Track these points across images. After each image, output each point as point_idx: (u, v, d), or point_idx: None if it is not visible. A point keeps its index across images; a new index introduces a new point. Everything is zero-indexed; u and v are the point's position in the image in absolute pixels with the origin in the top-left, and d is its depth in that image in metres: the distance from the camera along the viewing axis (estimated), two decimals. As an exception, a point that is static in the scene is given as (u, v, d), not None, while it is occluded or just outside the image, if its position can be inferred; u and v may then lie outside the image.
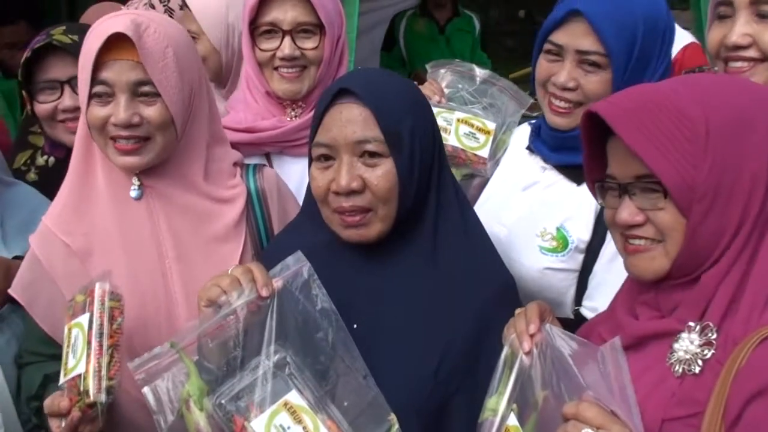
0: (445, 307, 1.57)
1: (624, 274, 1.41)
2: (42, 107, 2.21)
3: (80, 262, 1.75)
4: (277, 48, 2.09)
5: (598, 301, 1.80)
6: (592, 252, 1.86)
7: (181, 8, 2.64)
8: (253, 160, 2.09)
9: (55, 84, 2.19)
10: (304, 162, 2.14)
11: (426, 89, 2.16)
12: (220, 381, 1.41)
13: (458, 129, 2.19)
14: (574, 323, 1.71)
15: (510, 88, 2.30)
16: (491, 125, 2.18)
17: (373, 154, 1.54)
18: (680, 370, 1.26)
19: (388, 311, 1.59)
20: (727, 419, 1.18)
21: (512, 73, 4.49)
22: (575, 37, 1.81)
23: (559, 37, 1.84)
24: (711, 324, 1.25)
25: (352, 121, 1.53)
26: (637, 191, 1.31)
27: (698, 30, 4.12)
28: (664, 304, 1.33)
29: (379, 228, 1.57)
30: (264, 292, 1.44)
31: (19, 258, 1.90)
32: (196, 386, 1.39)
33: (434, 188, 1.62)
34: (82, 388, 1.50)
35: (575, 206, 1.88)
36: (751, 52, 1.68)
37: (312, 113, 2.08)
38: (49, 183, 2.10)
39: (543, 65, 1.90)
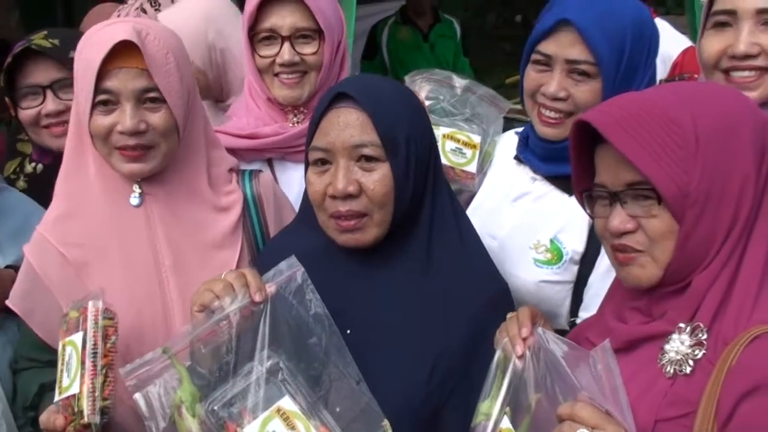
0: (439, 312, 1.58)
1: None
2: (25, 113, 2.20)
3: (76, 272, 1.74)
4: (277, 54, 2.09)
5: (594, 312, 1.79)
6: (586, 263, 1.84)
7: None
8: (254, 166, 2.10)
9: (36, 89, 2.18)
10: (306, 167, 2.19)
11: None
12: (212, 387, 1.41)
13: (445, 145, 2.18)
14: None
15: (489, 94, 2.29)
16: (476, 138, 2.16)
17: (369, 159, 1.54)
18: (671, 371, 1.27)
19: (382, 317, 1.59)
20: (719, 418, 1.18)
21: (509, 77, 4.50)
22: (564, 46, 1.78)
23: (548, 46, 1.81)
24: (701, 325, 1.26)
25: (349, 125, 1.54)
26: (628, 199, 1.31)
27: (693, 35, 4.14)
28: (656, 311, 1.33)
29: (374, 233, 1.58)
30: (257, 297, 1.44)
31: (12, 267, 1.91)
32: (188, 392, 1.39)
33: (429, 194, 1.63)
34: (76, 409, 1.50)
35: (568, 217, 1.86)
36: (760, 61, 1.68)
37: None
38: (38, 190, 2.11)
39: (531, 76, 1.86)
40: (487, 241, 1.88)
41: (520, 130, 2.05)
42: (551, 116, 1.83)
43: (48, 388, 1.68)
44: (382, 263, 1.60)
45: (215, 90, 2.53)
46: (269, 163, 2.20)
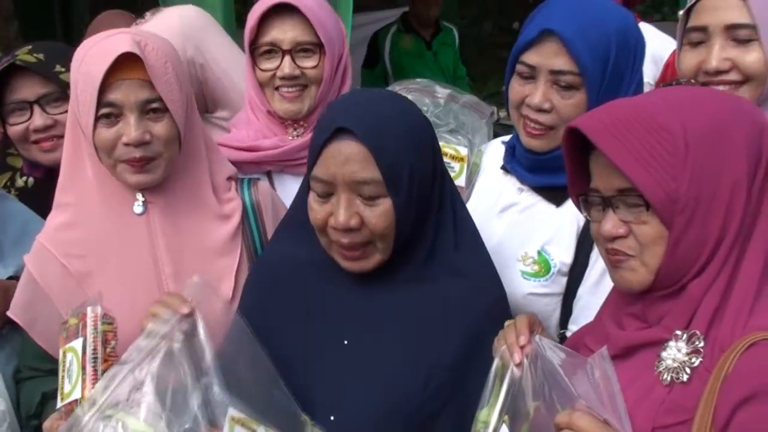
0: (437, 322, 1.58)
1: None
2: (13, 129, 2.19)
3: (78, 282, 1.75)
4: (277, 68, 2.09)
5: (583, 324, 1.76)
6: (575, 274, 1.82)
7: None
8: (253, 177, 2.10)
9: (23, 105, 2.17)
10: (305, 181, 2.18)
11: None
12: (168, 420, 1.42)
13: None
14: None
15: (471, 101, 2.26)
16: (464, 151, 2.13)
17: (371, 196, 1.53)
18: (668, 379, 1.27)
19: (379, 327, 1.59)
20: (716, 426, 1.19)
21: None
22: (548, 56, 1.75)
23: (531, 57, 1.78)
24: (698, 332, 1.27)
25: (350, 159, 1.50)
26: (620, 204, 1.32)
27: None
28: (651, 315, 1.34)
29: (377, 259, 1.58)
30: (184, 310, 1.47)
31: (14, 278, 1.91)
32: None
33: (434, 213, 1.62)
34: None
35: (555, 228, 1.85)
36: (733, 75, 1.71)
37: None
38: (30, 204, 2.11)
39: (516, 88, 1.84)
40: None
41: (506, 138, 2.04)
42: (536, 127, 1.81)
43: (50, 396, 1.69)
44: (381, 275, 1.60)
45: (199, 103, 2.53)
46: (268, 175, 2.20)
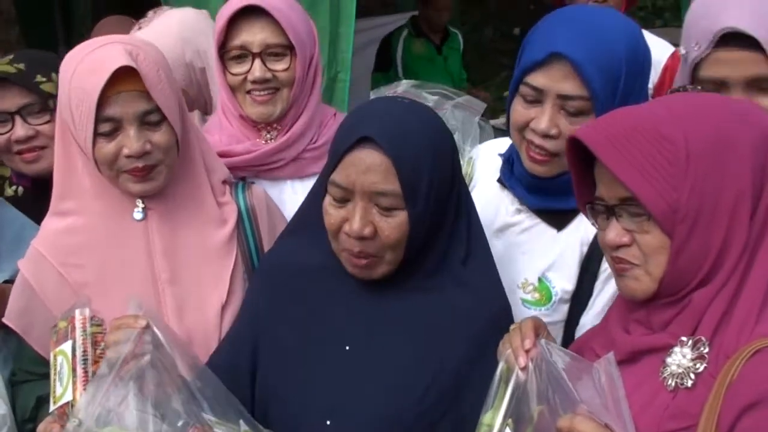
0: (440, 331, 1.57)
1: None
2: None
3: (75, 290, 1.74)
4: (248, 71, 2.06)
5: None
6: (577, 302, 1.75)
7: None
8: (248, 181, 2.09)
9: (5, 116, 2.15)
10: (281, 185, 2.15)
11: None
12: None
13: None
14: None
15: (463, 100, 2.22)
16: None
17: (389, 207, 1.52)
18: (673, 384, 1.27)
19: (382, 334, 1.59)
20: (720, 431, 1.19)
21: (507, 91, 4.51)
22: (556, 80, 1.64)
23: (538, 79, 1.66)
24: (703, 338, 1.27)
25: (372, 169, 1.49)
26: (623, 213, 1.32)
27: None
28: (656, 322, 1.34)
29: (384, 270, 1.58)
30: (141, 323, 1.49)
31: (9, 282, 1.91)
32: None
33: (448, 224, 1.61)
34: (71, 416, 1.50)
35: (557, 254, 1.77)
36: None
37: (286, 135, 2.11)
38: (21, 211, 2.09)
39: (519, 110, 1.71)
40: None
41: (501, 145, 1.95)
42: (541, 153, 1.70)
43: (45, 400, 1.68)
44: (387, 281, 1.60)
45: (199, 105, 2.54)
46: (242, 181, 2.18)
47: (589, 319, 1.73)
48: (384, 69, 5.62)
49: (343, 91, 3.41)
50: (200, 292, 1.79)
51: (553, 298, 1.77)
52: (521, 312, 1.75)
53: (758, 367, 1.19)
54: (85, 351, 1.55)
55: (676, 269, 1.28)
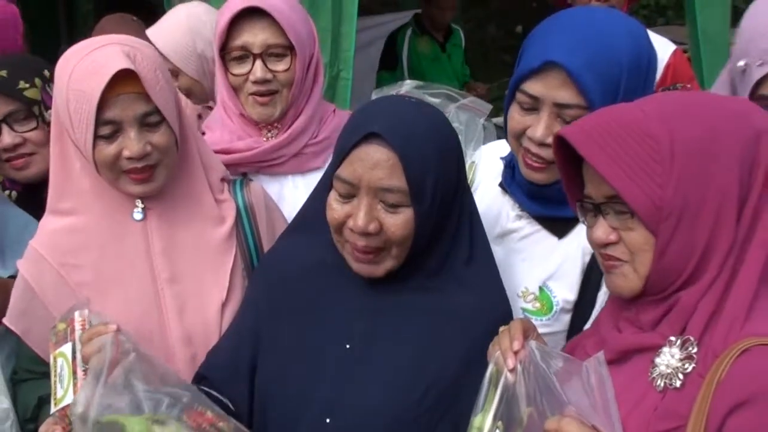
0: (441, 334, 1.58)
1: None
2: None
3: (74, 291, 1.75)
4: (249, 72, 2.08)
5: None
6: (580, 311, 1.73)
7: None
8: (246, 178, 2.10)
9: None
10: (281, 181, 2.17)
11: None
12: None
13: None
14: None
15: (469, 102, 2.21)
16: None
17: (394, 204, 1.53)
18: (662, 385, 1.27)
19: (383, 334, 1.59)
20: (708, 431, 1.19)
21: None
22: (552, 88, 1.61)
23: (534, 87, 1.63)
24: (691, 338, 1.27)
25: (378, 165, 1.50)
26: (610, 211, 1.33)
27: (694, 45, 4.18)
28: (644, 320, 1.34)
29: (389, 266, 1.58)
30: (113, 327, 1.53)
31: (13, 278, 1.91)
32: (138, 429, 1.42)
33: (453, 225, 1.62)
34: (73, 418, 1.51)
35: (558, 263, 1.75)
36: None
37: (287, 133, 2.13)
38: None
39: (516, 117, 1.69)
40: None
41: (502, 147, 1.92)
42: (537, 161, 1.68)
43: (46, 400, 1.69)
44: (390, 280, 1.61)
45: (210, 96, 2.56)
46: (243, 177, 2.18)
47: None
48: (390, 67, 5.62)
49: (346, 90, 3.43)
50: (200, 290, 1.80)
51: (555, 308, 1.75)
52: None
53: (746, 367, 1.19)
54: None
55: (660, 267, 1.29)
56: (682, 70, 3.44)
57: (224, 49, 2.11)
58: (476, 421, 1.37)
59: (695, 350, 1.26)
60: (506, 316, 1.61)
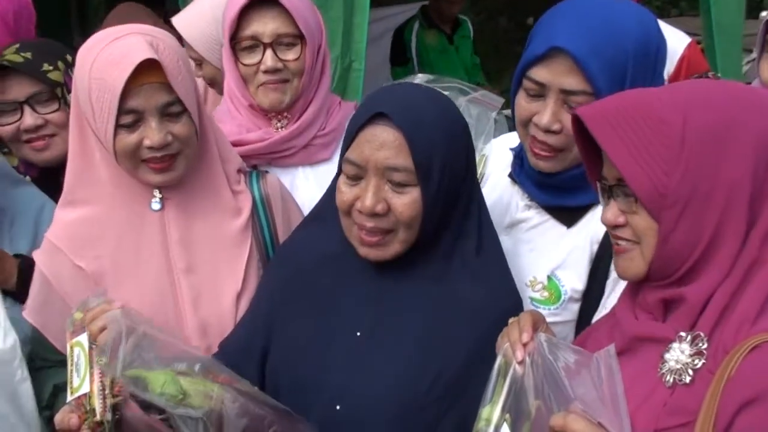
0: (450, 324, 1.58)
1: None
2: (4, 129, 2.19)
3: (91, 282, 1.76)
4: (259, 62, 2.08)
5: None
6: (588, 300, 1.72)
7: None
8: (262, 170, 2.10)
9: (14, 105, 2.16)
10: (293, 173, 2.18)
11: None
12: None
13: None
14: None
15: (480, 95, 2.21)
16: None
17: (401, 183, 1.54)
18: (671, 380, 1.27)
19: (392, 322, 1.60)
20: (717, 428, 1.18)
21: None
22: (558, 74, 1.61)
23: (540, 73, 1.63)
24: (702, 334, 1.26)
25: (385, 145, 1.52)
26: (619, 193, 1.32)
27: (708, 36, 4.14)
28: (652, 305, 1.34)
29: (396, 249, 1.58)
30: (116, 304, 1.58)
31: (19, 256, 1.96)
32: (164, 379, 1.47)
33: (460, 212, 1.62)
34: (89, 407, 1.53)
35: (567, 252, 1.74)
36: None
37: (297, 123, 2.14)
38: None
39: (522, 104, 1.69)
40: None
41: (512, 139, 1.91)
42: (544, 149, 1.68)
43: (62, 388, 1.70)
44: (399, 272, 1.61)
45: None
46: (254, 169, 2.18)
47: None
48: (402, 63, 5.61)
49: (358, 81, 3.43)
50: (216, 281, 1.80)
51: (563, 297, 1.75)
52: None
53: (756, 364, 1.18)
54: None
55: (663, 254, 1.28)
56: (697, 61, 3.42)
57: (234, 39, 2.11)
58: (484, 412, 1.37)
59: (705, 346, 1.25)
60: (516, 307, 1.61)
